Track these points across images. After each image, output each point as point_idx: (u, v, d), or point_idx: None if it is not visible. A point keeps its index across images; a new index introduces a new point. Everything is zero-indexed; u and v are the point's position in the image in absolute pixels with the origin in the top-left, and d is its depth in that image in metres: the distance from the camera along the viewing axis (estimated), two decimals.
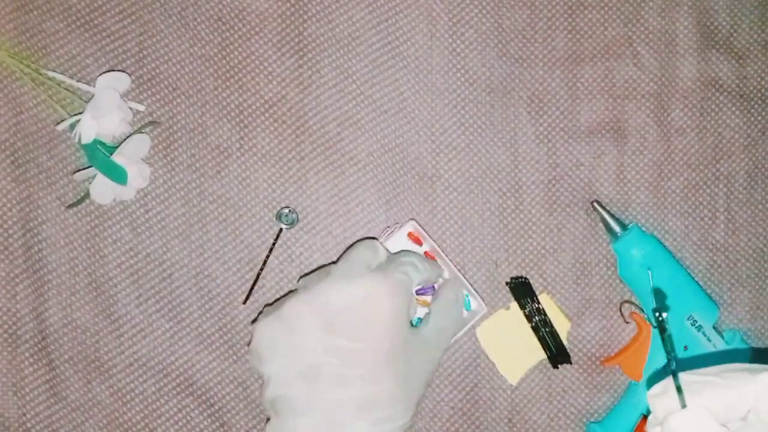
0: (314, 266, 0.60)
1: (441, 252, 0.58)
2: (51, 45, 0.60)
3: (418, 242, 0.58)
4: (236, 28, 0.61)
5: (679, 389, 0.36)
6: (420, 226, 0.58)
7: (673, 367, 0.37)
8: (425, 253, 0.58)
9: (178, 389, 0.59)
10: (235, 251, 0.60)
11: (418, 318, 0.57)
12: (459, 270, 0.58)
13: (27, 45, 0.59)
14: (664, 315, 0.49)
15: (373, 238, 0.58)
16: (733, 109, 0.62)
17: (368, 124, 0.61)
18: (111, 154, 0.57)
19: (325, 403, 0.47)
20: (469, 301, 0.58)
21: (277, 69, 0.61)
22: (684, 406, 0.36)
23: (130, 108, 0.59)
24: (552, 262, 0.60)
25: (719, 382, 0.36)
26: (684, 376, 0.37)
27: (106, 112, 0.57)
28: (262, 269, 0.59)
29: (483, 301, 0.58)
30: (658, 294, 0.55)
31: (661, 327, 0.47)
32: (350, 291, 0.49)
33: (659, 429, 0.37)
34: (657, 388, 0.38)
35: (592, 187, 0.61)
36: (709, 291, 0.60)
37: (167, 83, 0.60)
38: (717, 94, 0.62)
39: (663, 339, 0.44)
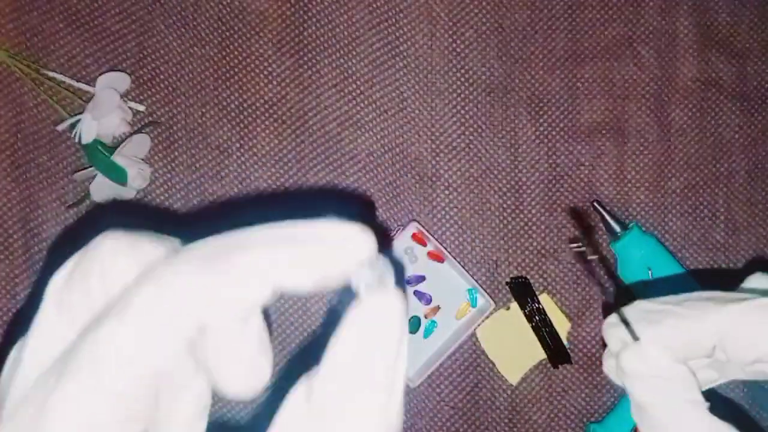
0: None
1: (446, 252, 0.58)
2: (51, 45, 0.60)
3: (423, 243, 0.58)
4: (236, 28, 0.61)
5: (625, 322, 0.31)
6: (422, 226, 0.58)
7: (605, 297, 0.32)
8: (429, 253, 0.58)
9: None
10: None
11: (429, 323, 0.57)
12: (464, 268, 0.58)
13: (27, 45, 0.59)
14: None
15: None
16: (733, 109, 0.62)
17: (368, 124, 0.61)
18: (111, 155, 0.57)
19: None
20: (476, 297, 0.58)
21: (277, 69, 0.61)
22: (636, 338, 0.30)
23: (130, 108, 0.59)
24: (552, 262, 0.60)
25: (680, 312, 0.30)
26: (643, 304, 0.31)
27: (106, 112, 0.57)
28: None
29: (490, 297, 0.58)
30: (578, 217, 0.54)
31: (594, 251, 0.41)
32: None
33: (614, 362, 0.31)
34: (613, 317, 0.31)
35: (592, 187, 0.61)
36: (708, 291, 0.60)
37: (167, 83, 0.60)
38: (717, 94, 0.62)
39: (595, 266, 0.36)
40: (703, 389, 0.30)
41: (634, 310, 0.30)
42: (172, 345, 0.20)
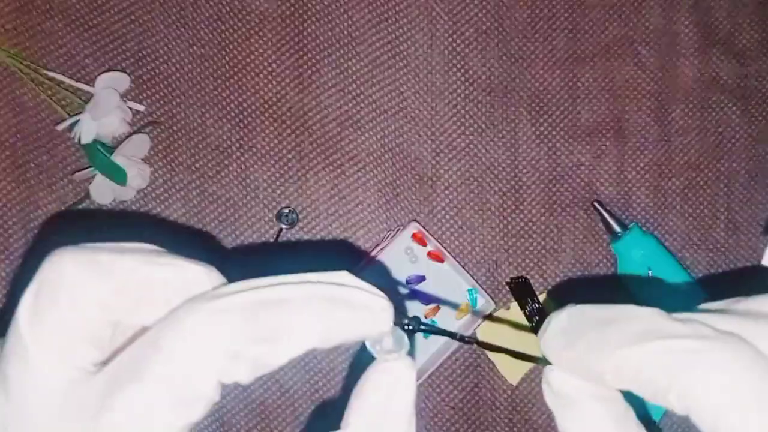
0: (314, 266, 0.60)
1: (446, 252, 0.58)
2: (50, 45, 0.59)
3: (422, 243, 0.58)
4: (236, 27, 0.61)
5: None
6: (422, 226, 0.58)
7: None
8: (429, 253, 0.58)
9: None
10: (236, 251, 0.60)
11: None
12: (464, 268, 0.58)
13: (26, 45, 0.59)
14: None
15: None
16: (734, 108, 0.62)
17: (368, 124, 0.61)
18: (111, 155, 0.57)
19: None
20: (476, 297, 0.58)
21: (277, 69, 0.61)
22: (547, 363, 0.27)
23: (130, 108, 0.59)
24: (552, 262, 0.60)
25: (588, 341, 0.26)
26: (572, 313, 0.27)
27: (105, 112, 0.57)
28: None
29: (490, 297, 0.58)
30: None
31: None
32: None
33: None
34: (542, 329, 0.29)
35: (592, 187, 0.61)
36: (708, 291, 0.60)
37: (167, 83, 0.60)
38: (717, 93, 0.62)
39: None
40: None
41: (548, 332, 0.28)
42: (197, 409, 0.21)
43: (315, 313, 0.22)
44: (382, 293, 0.23)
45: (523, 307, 0.60)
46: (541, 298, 0.60)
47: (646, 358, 0.24)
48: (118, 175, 0.57)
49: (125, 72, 0.59)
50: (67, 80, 0.59)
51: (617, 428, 0.26)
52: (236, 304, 0.21)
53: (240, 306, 0.21)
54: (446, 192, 0.61)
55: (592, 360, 0.25)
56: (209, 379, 0.21)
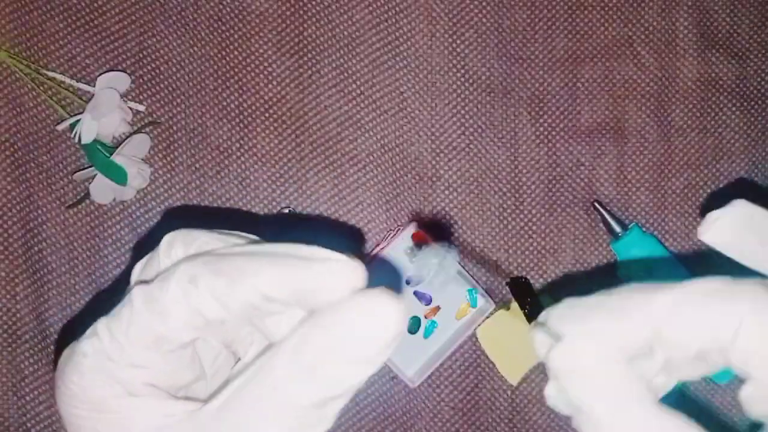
0: None
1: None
2: (51, 45, 0.60)
3: (423, 243, 0.58)
4: (236, 28, 0.61)
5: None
6: (422, 226, 0.58)
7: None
8: None
9: None
10: None
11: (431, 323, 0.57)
12: (464, 268, 0.58)
13: (27, 45, 0.59)
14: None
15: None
16: (734, 109, 0.62)
17: (368, 124, 0.61)
18: (111, 155, 0.57)
19: None
20: (476, 297, 0.58)
21: (277, 69, 0.61)
22: (559, 337, 0.26)
23: (130, 108, 0.59)
24: (552, 262, 0.60)
25: (608, 305, 0.26)
26: (570, 301, 0.27)
27: (106, 112, 0.57)
28: None
29: (491, 297, 0.58)
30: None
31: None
32: None
33: (555, 385, 0.27)
34: (539, 318, 0.28)
35: (592, 187, 0.61)
36: None
37: (167, 83, 0.60)
38: (717, 94, 0.62)
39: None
40: (658, 398, 0.26)
41: (560, 308, 0.27)
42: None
43: (268, 262, 0.25)
44: (346, 257, 0.26)
45: (523, 307, 0.59)
46: (541, 298, 0.59)
47: (683, 303, 0.26)
48: (118, 175, 0.57)
49: (126, 72, 0.59)
50: (68, 80, 0.59)
51: (645, 397, 0.25)
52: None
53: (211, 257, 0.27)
54: (446, 192, 0.61)
55: (622, 316, 0.26)
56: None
